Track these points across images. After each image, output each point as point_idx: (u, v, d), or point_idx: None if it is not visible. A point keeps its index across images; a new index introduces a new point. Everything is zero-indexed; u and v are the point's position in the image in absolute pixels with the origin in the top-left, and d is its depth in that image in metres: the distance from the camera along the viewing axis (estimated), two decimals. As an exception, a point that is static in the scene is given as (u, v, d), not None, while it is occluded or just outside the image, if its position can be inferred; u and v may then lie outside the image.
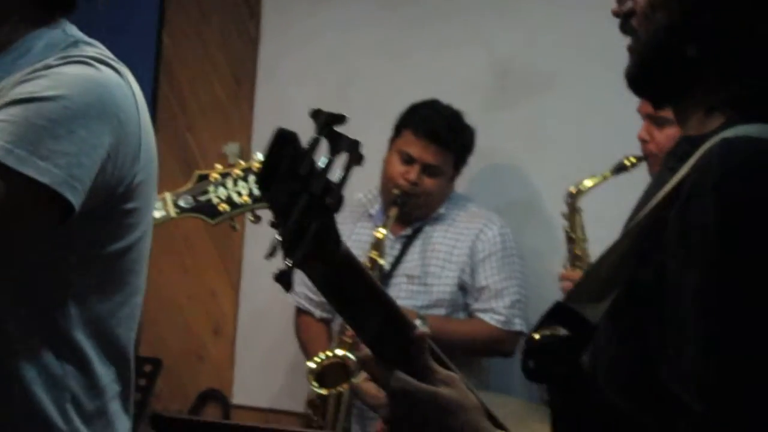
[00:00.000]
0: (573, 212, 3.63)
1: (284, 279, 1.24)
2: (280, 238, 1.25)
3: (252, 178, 2.34)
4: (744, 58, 1.49)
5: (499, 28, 4.25)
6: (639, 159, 3.42)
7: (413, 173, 3.77)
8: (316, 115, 1.29)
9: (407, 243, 3.89)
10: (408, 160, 3.79)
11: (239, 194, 2.35)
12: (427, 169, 3.79)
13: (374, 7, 4.42)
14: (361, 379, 1.45)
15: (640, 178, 3.15)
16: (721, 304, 1.37)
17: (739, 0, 1.48)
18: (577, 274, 3.51)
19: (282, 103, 4.47)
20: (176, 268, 4.68)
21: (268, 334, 4.36)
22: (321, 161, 1.27)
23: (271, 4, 4.59)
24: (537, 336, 1.44)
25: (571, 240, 3.65)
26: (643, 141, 3.32)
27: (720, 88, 1.51)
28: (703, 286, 1.37)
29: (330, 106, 4.17)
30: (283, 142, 1.26)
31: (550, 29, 4.08)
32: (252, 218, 2.38)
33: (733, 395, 1.35)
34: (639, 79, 1.57)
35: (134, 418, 4.07)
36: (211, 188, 2.37)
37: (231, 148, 4.47)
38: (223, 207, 2.38)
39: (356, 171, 3.63)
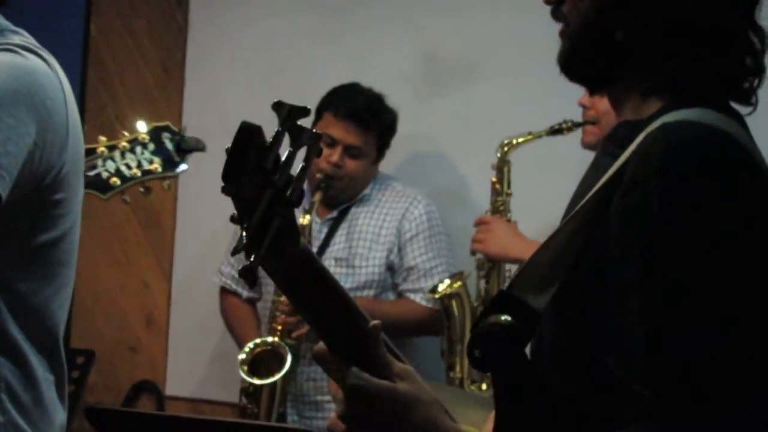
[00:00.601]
0: (502, 163, 3.64)
1: (249, 275, 1.24)
2: (245, 234, 1.24)
3: (139, 149, 2.29)
4: (673, 41, 1.50)
5: (428, 13, 4.25)
6: (576, 125, 3.44)
7: (335, 155, 3.77)
8: (279, 107, 1.27)
9: (333, 226, 3.90)
10: (330, 142, 3.78)
11: (128, 167, 2.29)
12: (349, 151, 3.79)
13: (305, -4, 4.42)
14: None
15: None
16: (666, 289, 1.37)
17: None
18: (488, 217, 3.57)
19: (212, 92, 4.47)
20: (108, 260, 4.66)
21: (201, 325, 4.34)
22: (285, 154, 1.26)
23: (199, -7, 4.58)
24: (482, 325, 1.44)
25: (495, 191, 3.64)
26: (584, 107, 3.35)
27: (653, 72, 1.52)
28: (647, 273, 1.38)
29: (259, 94, 4.20)
30: (248, 135, 1.24)
31: (479, 16, 4.08)
32: (142, 190, 2.34)
33: (682, 381, 1.36)
34: (571, 64, 1.58)
35: (68, 411, 4.06)
36: (99, 162, 2.30)
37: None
38: (114, 180, 2.32)
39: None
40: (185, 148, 2.31)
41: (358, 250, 3.85)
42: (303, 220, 3.73)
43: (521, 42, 3.82)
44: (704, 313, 1.36)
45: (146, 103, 4.59)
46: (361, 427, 1.37)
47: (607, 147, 1.56)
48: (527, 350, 1.47)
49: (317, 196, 3.76)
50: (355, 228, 3.88)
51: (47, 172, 1.69)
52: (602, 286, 1.42)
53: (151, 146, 2.29)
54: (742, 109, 1.53)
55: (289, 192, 1.26)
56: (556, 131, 3.49)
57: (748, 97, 1.53)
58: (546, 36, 1.63)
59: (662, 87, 1.51)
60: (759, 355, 1.40)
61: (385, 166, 3.99)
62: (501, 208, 3.63)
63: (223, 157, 1.23)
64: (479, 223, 3.59)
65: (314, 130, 1.28)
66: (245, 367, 3.70)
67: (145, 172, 2.29)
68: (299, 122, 1.28)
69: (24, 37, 1.75)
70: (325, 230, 3.87)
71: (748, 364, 1.38)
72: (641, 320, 1.37)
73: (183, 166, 2.32)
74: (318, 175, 3.74)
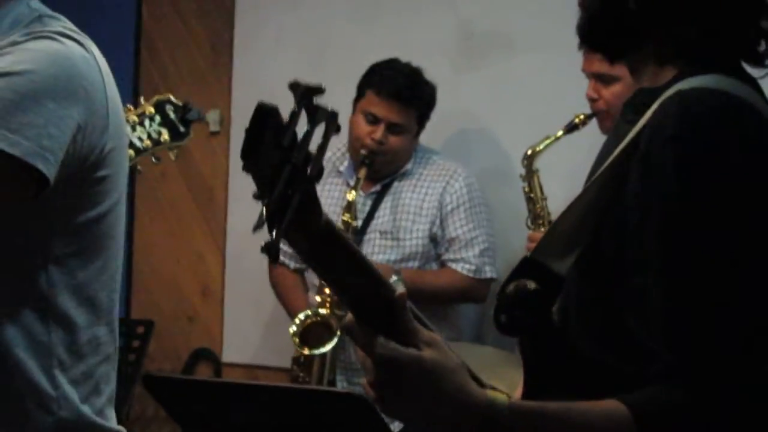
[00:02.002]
0: (530, 173, 3.65)
1: (272, 250, 1.23)
2: (265, 210, 1.23)
3: (147, 122, 2.32)
4: (685, 8, 1.48)
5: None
6: (588, 117, 3.46)
7: (379, 132, 3.76)
8: (294, 87, 1.25)
9: (377, 200, 3.89)
10: (373, 120, 3.77)
11: (140, 139, 2.32)
12: (391, 128, 3.78)
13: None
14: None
15: (591, 136, 3.18)
16: (683, 253, 1.37)
17: None
18: (541, 234, 3.52)
19: (259, 71, 4.46)
20: (164, 234, 4.69)
21: (254, 294, 4.35)
22: (301, 132, 1.25)
23: (246, -25, 4.59)
24: (507, 291, 1.44)
25: (531, 200, 3.67)
26: (592, 99, 3.37)
27: (668, 39, 1.50)
28: (665, 236, 1.38)
29: (304, 72, 4.18)
30: (265, 115, 1.23)
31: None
32: (155, 160, 2.36)
33: (700, 342, 1.35)
34: (589, 34, 1.56)
35: (129, 379, 4.09)
36: None
37: (212, 116, 4.48)
38: (129, 153, 2.35)
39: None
40: (188, 118, 2.35)
41: (402, 223, 3.85)
42: (349, 195, 3.76)
43: (555, 16, 3.75)
44: (722, 276, 1.36)
45: (196, 82, 4.61)
46: (389, 394, 1.36)
47: (625, 114, 1.55)
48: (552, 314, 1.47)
49: (362, 173, 3.77)
50: (398, 202, 3.87)
51: (90, 152, 1.69)
52: (622, 249, 1.42)
53: (158, 119, 2.33)
54: (756, 73, 1.51)
55: (309, 168, 1.24)
56: (572, 128, 3.50)
57: (763, 60, 1.51)
58: (577, 10, 1.62)
59: (677, 54, 1.50)
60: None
61: (425, 138, 3.99)
62: (540, 212, 3.65)
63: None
64: (530, 239, 3.58)
65: (332, 108, 1.26)
66: (297, 339, 3.73)
67: (156, 143, 2.32)
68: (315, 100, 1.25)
69: (62, 23, 1.75)
70: (369, 203, 3.88)
71: (761, 329, 1.38)
72: (660, 282, 1.37)
73: (189, 136, 2.37)
74: (362, 152, 3.75)
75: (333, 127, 1.26)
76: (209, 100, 4.51)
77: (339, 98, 3.99)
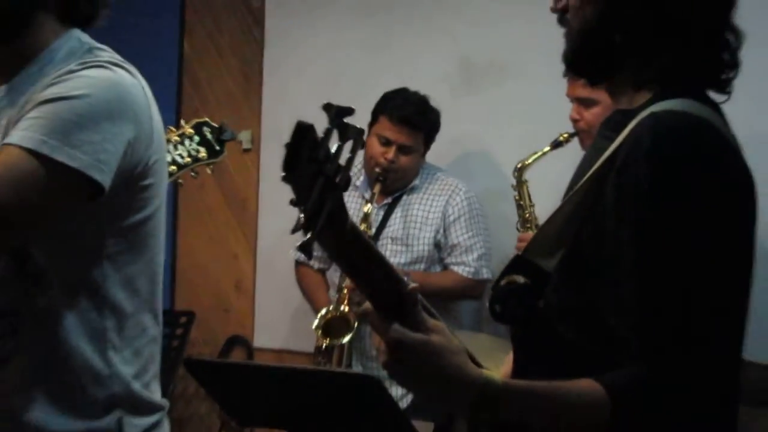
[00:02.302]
0: (520, 184, 3.64)
1: (307, 249, 1.24)
2: (302, 215, 1.24)
3: (187, 141, 2.33)
4: (661, 42, 1.48)
5: (462, 24, 4.21)
6: (571, 135, 3.46)
7: (391, 153, 3.75)
8: (328, 108, 1.27)
9: (389, 211, 3.87)
10: (385, 142, 3.76)
11: (181, 156, 2.33)
12: (402, 149, 3.77)
13: (358, 13, 4.38)
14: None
15: (574, 152, 3.16)
16: (653, 254, 1.37)
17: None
18: (530, 235, 3.52)
19: (285, 96, 4.46)
20: (203, 237, 4.68)
21: (281, 288, 4.32)
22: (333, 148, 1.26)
23: (272, 12, 4.55)
24: (501, 284, 1.46)
25: (520, 207, 3.66)
26: (574, 120, 3.37)
27: (644, 68, 1.50)
28: (638, 240, 1.37)
29: (325, 95, 4.14)
30: (303, 132, 1.23)
31: (507, 25, 4.05)
32: (193, 174, 2.38)
33: (665, 330, 1.35)
34: (574, 62, 1.56)
35: (173, 362, 4.08)
36: None
37: (244, 135, 4.48)
38: (172, 168, 2.36)
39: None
40: (223, 139, 2.36)
41: (411, 231, 3.83)
42: (365, 208, 3.77)
43: (542, 48, 3.73)
44: (686, 275, 1.36)
45: (231, 106, 4.60)
46: (400, 371, 1.36)
47: (603, 132, 1.55)
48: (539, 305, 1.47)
49: (376, 188, 3.77)
50: (407, 212, 3.86)
51: (138, 164, 1.69)
52: (600, 250, 1.42)
53: (197, 138, 2.34)
54: (719, 98, 1.51)
55: (338, 179, 1.25)
56: (557, 145, 3.50)
57: (725, 87, 1.52)
58: (562, 43, 1.61)
59: (652, 81, 1.50)
60: (732, 310, 1.41)
61: (430, 156, 3.98)
62: (528, 218, 3.63)
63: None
64: (520, 240, 3.56)
65: (358, 126, 1.27)
66: (319, 331, 3.73)
67: (195, 160, 2.33)
68: (346, 120, 1.27)
69: (110, 53, 1.75)
70: (382, 214, 3.86)
71: (723, 318, 1.38)
72: (632, 280, 1.37)
73: (223, 154, 2.38)
74: (376, 170, 3.74)
75: (360, 143, 1.28)
76: (242, 121, 4.52)
77: (356, 114, 3.99)
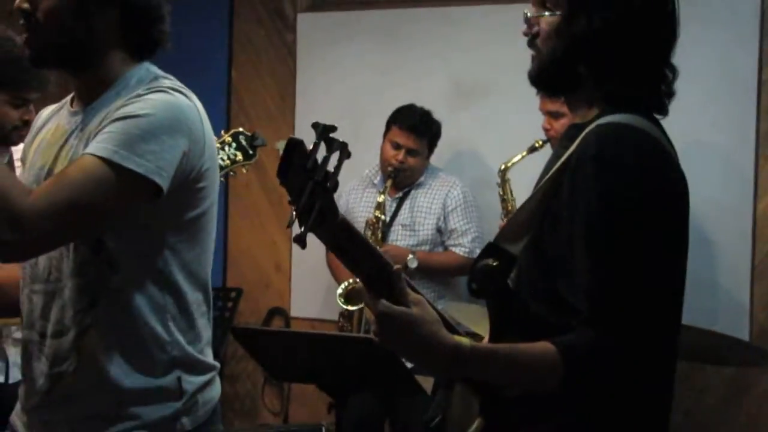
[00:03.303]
0: (504, 181, 3.65)
1: (301, 240, 1.24)
2: (295, 213, 1.24)
3: (227, 147, 2.34)
4: (612, 70, 1.47)
5: (454, 53, 4.20)
6: (544, 142, 3.48)
7: (401, 155, 3.78)
8: (315, 126, 1.27)
9: (400, 202, 3.89)
10: (396, 146, 3.79)
11: (222, 160, 2.32)
12: (410, 152, 3.79)
13: (371, 45, 4.37)
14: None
15: (547, 155, 3.15)
16: (600, 240, 1.37)
17: (611, 35, 1.46)
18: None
19: (314, 112, 4.39)
20: (249, 226, 4.67)
21: (312, 268, 4.30)
22: (322, 157, 1.25)
23: (303, 45, 4.54)
24: (477, 266, 1.44)
25: (504, 200, 3.67)
26: (546, 129, 3.39)
27: (597, 89, 1.49)
28: (588, 229, 1.37)
29: (346, 111, 4.21)
30: (293, 146, 1.24)
31: (489, 52, 4.03)
32: (232, 173, 2.39)
33: (609, 301, 1.35)
34: (538, 81, 1.55)
35: (225, 329, 4.07)
36: None
37: (281, 144, 4.39)
38: None
39: (365, 152, 3.60)
40: (255, 144, 2.36)
41: (417, 219, 3.84)
42: (379, 198, 3.79)
43: (520, 69, 3.74)
44: (626, 257, 1.36)
45: (270, 121, 4.59)
46: (387, 338, 1.36)
47: (562, 142, 1.54)
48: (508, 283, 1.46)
49: (389, 183, 3.80)
50: (414, 204, 3.86)
51: (192, 170, 1.67)
52: (557, 237, 1.42)
53: (234, 145, 2.33)
54: (659, 116, 1.51)
55: (327, 183, 1.24)
56: (533, 149, 3.51)
57: (664, 108, 1.51)
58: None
59: (602, 99, 1.49)
60: (668, 285, 1.40)
61: (432, 159, 3.99)
62: (510, 209, 3.63)
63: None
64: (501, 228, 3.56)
65: (342, 140, 1.26)
66: (342, 299, 3.74)
67: (233, 162, 2.33)
68: (331, 135, 1.26)
69: (171, 81, 1.74)
70: (394, 205, 3.87)
71: (659, 291, 1.38)
72: (583, 260, 1.37)
73: (255, 157, 2.38)
74: (389, 169, 3.78)
75: (345, 154, 1.26)
76: (279, 133, 4.49)
77: (371, 127, 4.04)
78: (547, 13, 1.50)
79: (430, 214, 3.84)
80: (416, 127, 3.78)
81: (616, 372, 1.35)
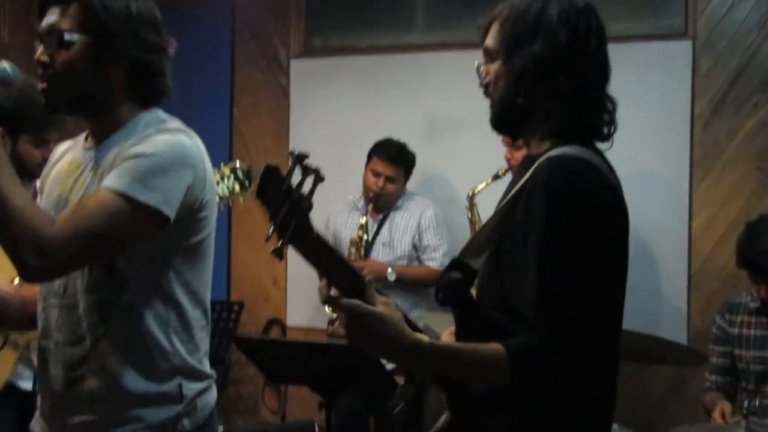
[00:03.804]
0: (471, 205, 3.65)
1: (278, 253, 1.24)
2: (271, 229, 1.24)
3: (225, 179, 2.32)
4: (556, 107, 1.47)
5: (427, 92, 4.22)
6: (506, 170, 3.46)
7: (381, 182, 3.79)
8: (291, 154, 1.26)
9: (380, 223, 3.88)
10: (377, 174, 3.80)
11: (222, 190, 2.32)
12: (388, 179, 3.80)
13: (354, 86, 4.38)
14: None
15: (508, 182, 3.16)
16: (549, 259, 1.36)
17: (544, 69, 1.46)
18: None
19: (306, 145, 4.39)
20: (249, 247, 4.65)
21: (306, 282, 4.28)
22: (297, 181, 1.25)
23: (295, 88, 4.54)
24: (443, 279, 1.45)
25: (471, 222, 3.66)
26: (507, 159, 3.38)
27: (545, 125, 1.49)
28: (539, 248, 1.37)
29: (333, 143, 4.17)
30: (270, 171, 1.23)
31: (457, 91, 4.02)
32: (230, 203, 2.37)
33: (554, 310, 1.35)
34: (497, 124, 1.56)
35: (229, 338, 4.03)
36: None
37: None
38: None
39: (350, 180, 3.55)
40: (251, 177, 2.35)
41: (395, 237, 3.84)
42: (362, 220, 3.80)
43: (485, 106, 3.79)
44: (568, 271, 1.35)
45: (267, 154, 4.57)
46: (354, 335, 1.34)
47: (519, 172, 1.54)
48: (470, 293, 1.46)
49: (370, 207, 3.81)
50: (393, 224, 3.86)
51: (195, 201, 1.67)
52: (513, 253, 1.41)
53: (231, 177, 2.33)
54: (604, 146, 1.51)
55: (302, 203, 1.24)
56: (497, 177, 3.50)
57: (607, 139, 1.51)
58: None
59: (550, 134, 1.49)
60: (607, 296, 1.40)
61: (410, 184, 3.99)
62: (477, 230, 3.61)
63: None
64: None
65: (317, 167, 1.25)
66: (329, 308, 3.71)
67: (231, 192, 2.32)
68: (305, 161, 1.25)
69: (177, 123, 1.74)
70: (375, 225, 3.87)
71: (599, 301, 1.38)
72: (534, 276, 1.37)
73: (250, 188, 2.35)
74: (371, 194, 3.79)
75: (318, 177, 1.25)
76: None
77: (355, 158, 4.04)
78: (492, 63, 1.51)
79: (407, 232, 3.84)
80: (393, 157, 3.79)
81: (557, 371, 1.34)
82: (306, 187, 1.24)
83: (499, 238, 1.44)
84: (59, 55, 1.65)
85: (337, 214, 3.97)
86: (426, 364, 1.36)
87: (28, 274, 1.59)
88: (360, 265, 3.48)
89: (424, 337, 1.35)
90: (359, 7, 4.45)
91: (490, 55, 1.51)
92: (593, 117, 1.48)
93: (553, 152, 1.42)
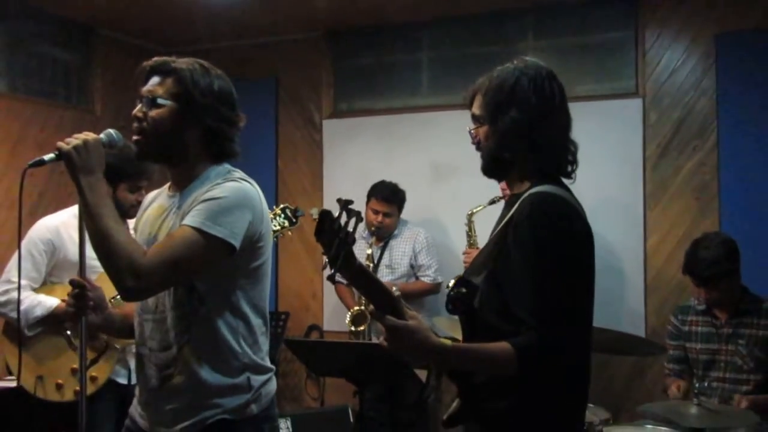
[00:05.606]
0: (469, 223, 3.61)
1: (332, 279, 1.29)
2: (327, 260, 1.28)
3: (276, 217, 2.29)
4: (532, 156, 1.48)
5: (432, 141, 4.22)
6: (500, 198, 3.43)
7: (379, 218, 3.78)
8: (339, 200, 1.30)
9: (382, 250, 3.86)
10: (375, 212, 3.79)
11: (274, 226, 2.28)
12: (385, 215, 3.79)
13: (375, 139, 4.39)
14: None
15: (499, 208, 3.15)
16: (536, 275, 1.36)
17: (522, 128, 1.46)
18: (473, 251, 3.49)
19: (336, 188, 4.45)
20: (293, 269, 4.63)
21: (335, 297, 4.27)
22: (343, 222, 1.29)
23: (327, 141, 4.54)
24: (451, 293, 1.45)
25: (469, 236, 3.62)
26: (503, 189, 3.34)
27: (526, 167, 1.49)
28: (527, 267, 1.37)
29: (359, 186, 4.13)
30: (324, 215, 1.28)
31: (458, 142, 3.93)
32: (280, 235, 2.33)
33: (546, 312, 1.34)
34: (486, 171, 1.56)
35: (279, 340, 4.03)
36: None
37: (314, 211, 4.44)
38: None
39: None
40: (297, 215, 2.33)
41: (395, 260, 3.83)
42: (368, 250, 3.77)
43: (479, 157, 3.80)
44: (555, 281, 1.36)
45: (306, 196, 4.58)
46: (393, 344, 1.35)
47: (506, 206, 1.55)
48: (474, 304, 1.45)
49: (373, 239, 3.80)
50: (393, 250, 3.85)
51: (255, 234, 1.67)
52: (506, 272, 1.41)
53: (281, 215, 2.31)
54: (569, 182, 1.52)
55: (348, 239, 1.28)
56: (492, 202, 3.48)
57: (571, 175, 1.52)
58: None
59: (529, 175, 1.49)
60: (584, 301, 1.40)
61: (414, 215, 3.98)
62: (472, 242, 3.58)
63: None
64: (465, 254, 3.50)
65: (359, 211, 1.29)
66: (349, 322, 3.74)
67: (282, 227, 2.30)
68: (351, 206, 1.30)
69: (240, 173, 1.74)
70: (378, 251, 3.85)
71: (579, 306, 1.38)
72: (524, 287, 1.37)
73: (297, 224, 2.34)
74: (372, 228, 3.78)
75: (359, 219, 1.30)
76: (311, 204, 4.51)
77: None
78: (480, 126, 1.52)
79: (404, 255, 3.83)
80: (388, 197, 3.79)
81: (553, 360, 1.34)
82: (349, 226, 1.28)
83: (495, 259, 1.45)
84: (151, 113, 1.68)
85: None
86: (450, 362, 1.36)
87: (126, 294, 1.60)
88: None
89: (447, 341, 1.36)
90: (376, 77, 4.51)
91: (478, 120, 1.53)
92: (561, 159, 1.50)
93: (533, 190, 1.44)
